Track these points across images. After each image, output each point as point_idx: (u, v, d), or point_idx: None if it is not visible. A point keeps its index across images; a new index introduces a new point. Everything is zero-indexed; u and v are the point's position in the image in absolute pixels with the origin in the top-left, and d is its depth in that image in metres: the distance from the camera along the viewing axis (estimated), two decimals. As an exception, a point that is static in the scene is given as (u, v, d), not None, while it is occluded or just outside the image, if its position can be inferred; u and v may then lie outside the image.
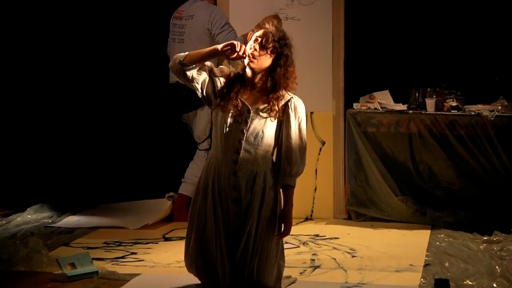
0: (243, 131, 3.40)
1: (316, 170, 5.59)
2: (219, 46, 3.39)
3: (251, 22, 5.12)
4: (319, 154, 5.59)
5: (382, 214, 5.47)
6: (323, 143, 5.60)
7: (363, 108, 5.55)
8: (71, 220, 5.63)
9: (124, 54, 6.40)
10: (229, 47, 3.38)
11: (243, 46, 3.38)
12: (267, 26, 3.47)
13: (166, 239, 5.19)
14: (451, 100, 5.48)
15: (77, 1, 6.35)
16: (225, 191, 3.43)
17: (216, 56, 3.43)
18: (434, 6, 5.91)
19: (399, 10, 5.94)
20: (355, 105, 5.62)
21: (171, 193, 5.73)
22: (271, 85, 3.43)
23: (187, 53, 3.43)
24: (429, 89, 5.48)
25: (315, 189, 5.60)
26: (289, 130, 3.46)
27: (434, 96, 5.44)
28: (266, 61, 3.41)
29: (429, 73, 5.81)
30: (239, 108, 3.40)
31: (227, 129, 3.42)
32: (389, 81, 5.80)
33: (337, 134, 5.60)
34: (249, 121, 3.41)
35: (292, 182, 3.51)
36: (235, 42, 3.36)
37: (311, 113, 5.55)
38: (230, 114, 3.42)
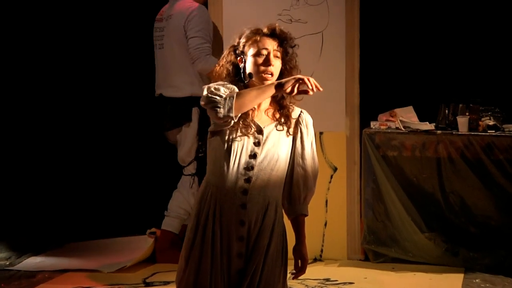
0: (256, 154, 3.37)
1: (326, 201, 5.57)
2: (283, 83, 3.25)
3: (245, 23, 5.11)
4: (330, 182, 5.57)
5: (405, 254, 5.45)
6: (335, 169, 5.58)
7: (382, 127, 5.54)
8: (33, 262, 5.58)
9: (98, 61, 6.51)
10: (295, 84, 3.26)
11: (312, 80, 3.26)
12: (266, 30, 3.40)
13: (147, 284, 5.13)
14: (488, 118, 5.47)
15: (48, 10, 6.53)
16: (228, 227, 3.39)
17: (273, 95, 3.33)
18: (467, 7, 5.96)
19: (425, 12, 5.99)
20: (372, 124, 5.59)
21: (153, 229, 5.69)
22: (280, 96, 3.42)
23: (231, 98, 3.26)
24: (461, 105, 5.46)
25: (325, 224, 5.59)
26: (304, 150, 3.46)
27: (467, 114, 5.43)
28: (279, 70, 3.40)
29: (461, 86, 5.83)
30: (249, 127, 3.38)
31: (235, 153, 3.37)
32: (413, 95, 5.80)
33: (351, 159, 5.57)
34: (262, 143, 3.38)
35: (306, 210, 3.50)
36: (305, 78, 3.25)
37: (321, 133, 5.54)
38: (238, 135, 3.38)
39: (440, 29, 6.00)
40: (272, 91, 3.28)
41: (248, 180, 3.36)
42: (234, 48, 3.43)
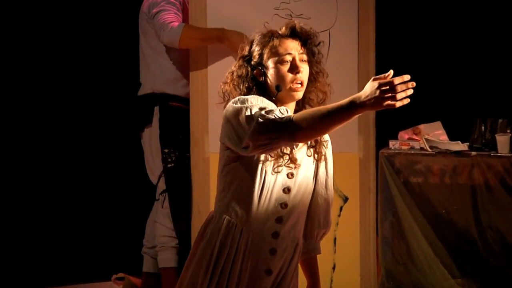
0: (289, 189, 3.37)
1: (334, 239, 5.44)
2: (367, 101, 2.91)
3: (235, 21, 5.32)
4: (339, 215, 5.44)
5: (432, 304, 5.39)
6: (345, 200, 5.46)
7: (403, 147, 5.52)
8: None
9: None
10: (385, 96, 2.90)
11: (399, 83, 2.93)
12: (284, 30, 3.38)
13: None
14: (534, 136, 5.44)
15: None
16: (250, 278, 3.40)
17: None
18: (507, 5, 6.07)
19: (457, 6, 6.09)
20: (392, 143, 5.57)
21: (121, 274, 5.69)
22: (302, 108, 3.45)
23: (291, 124, 3.10)
24: (500, 121, 5.45)
25: (334, 268, 5.47)
26: (328, 178, 3.50)
27: (509, 131, 5.44)
28: (307, 76, 3.41)
29: (501, 98, 5.92)
30: (283, 156, 3.35)
31: (268, 187, 3.36)
32: (441, 108, 5.95)
33: (366, 186, 5.44)
34: (295, 174, 3.37)
35: (320, 248, 3.60)
36: (392, 81, 2.91)
37: None
38: (269, 165, 3.35)
39: (475, 27, 6.15)
40: (353, 113, 2.98)
41: (279, 219, 3.38)
42: (246, 59, 3.41)
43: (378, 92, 2.88)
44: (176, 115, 5.44)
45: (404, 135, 5.57)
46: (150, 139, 5.53)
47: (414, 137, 5.54)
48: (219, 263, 3.38)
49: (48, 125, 6.59)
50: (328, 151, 3.48)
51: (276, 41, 3.36)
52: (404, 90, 2.88)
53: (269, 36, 3.37)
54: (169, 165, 5.44)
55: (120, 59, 6.28)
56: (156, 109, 5.45)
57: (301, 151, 3.38)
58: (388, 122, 5.52)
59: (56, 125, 6.57)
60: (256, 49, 3.38)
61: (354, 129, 5.37)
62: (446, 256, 5.37)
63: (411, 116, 5.56)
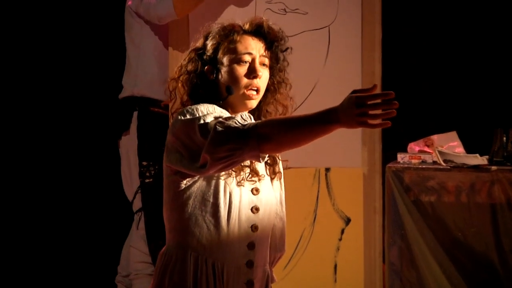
0: (257, 208, 3.25)
1: (335, 266, 5.36)
2: (342, 118, 2.73)
3: (222, 15, 5.27)
4: (340, 239, 5.36)
5: None
6: (348, 221, 5.38)
7: (414, 161, 5.40)
8: None
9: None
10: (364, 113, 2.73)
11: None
12: (248, 26, 3.28)
13: None
14: (562, 149, 5.31)
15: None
16: None
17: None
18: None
19: (475, 5, 6.02)
20: (400, 156, 5.44)
21: None
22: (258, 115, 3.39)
23: (253, 134, 2.99)
24: None
25: None
26: (281, 193, 3.42)
27: None
28: (266, 84, 3.27)
29: None
30: (243, 169, 3.26)
31: (234, 207, 3.24)
32: (457, 116, 5.95)
33: (371, 205, 5.35)
34: (260, 190, 3.27)
35: (274, 276, 3.50)
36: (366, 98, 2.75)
37: (327, 170, 5.39)
38: (233, 182, 3.24)
39: (497, 25, 6.07)
40: (327, 128, 2.87)
41: (252, 245, 3.31)
42: (199, 52, 3.29)
43: (354, 108, 2.73)
44: (157, 122, 5.29)
45: (414, 147, 5.50)
46: (128, 148, 5.44)
47: (426, 149, 5.46)
48: None
49: (19, 130, 6.60)
50: (280, 163, 3.42)
51: (236, 36, 3.24)
52: (386, 110, 2.71)
53: (230, 30, 3.25)
54: (147, 180, 5.33)
55: (106, 62, 6.20)
56: (135, 114, 5.37)
57: (261, 165, 3.28)
58: (397, 132, 5.26)
59: (28, 130, 6.57)
60: (211, 42, 3.26)
61: (357, 141, 5.31)
62: (462, 285, 5.25)
63: (423, 125, 5.83)
